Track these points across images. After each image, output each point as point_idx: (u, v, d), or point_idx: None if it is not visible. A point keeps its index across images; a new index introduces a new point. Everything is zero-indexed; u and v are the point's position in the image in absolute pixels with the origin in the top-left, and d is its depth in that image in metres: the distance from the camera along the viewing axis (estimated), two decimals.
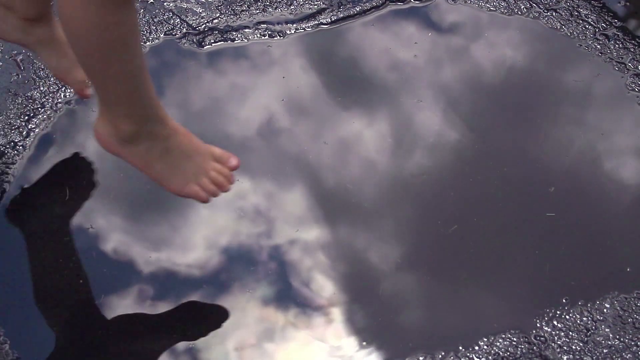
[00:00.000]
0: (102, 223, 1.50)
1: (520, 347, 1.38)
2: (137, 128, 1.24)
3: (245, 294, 1.44)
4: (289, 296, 1.44)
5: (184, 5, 1.81)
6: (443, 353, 1.38)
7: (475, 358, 1.37)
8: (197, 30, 1.78)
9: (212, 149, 1.36)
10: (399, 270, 1.47)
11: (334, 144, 1.63)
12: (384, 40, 1.80)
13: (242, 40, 1.77)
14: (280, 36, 1.79)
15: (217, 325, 1.40)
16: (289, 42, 1.78)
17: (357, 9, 1.84)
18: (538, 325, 1.41)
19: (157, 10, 1.79)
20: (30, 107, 1.65)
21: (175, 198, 1.54)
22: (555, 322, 1.41)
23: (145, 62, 1.18)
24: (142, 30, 1.78)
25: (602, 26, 1.82)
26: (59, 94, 1.67)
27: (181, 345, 1.37)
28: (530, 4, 1.86)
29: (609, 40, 1.79)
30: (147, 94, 1.21)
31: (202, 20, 1.78)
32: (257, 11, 1.83)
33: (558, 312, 1.42)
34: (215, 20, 1.79)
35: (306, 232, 1.51)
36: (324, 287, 1.45)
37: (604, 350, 1.38)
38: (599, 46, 1.79)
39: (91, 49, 1.12)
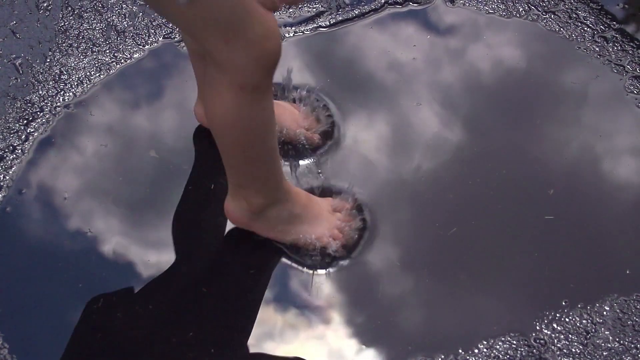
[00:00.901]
0: (101, 226, 1.50)
1: (520, 350, 1.38)
2: (268, 201, 1.36)
3: (245, 296, 1.44)
4: (288, 298, 1.44)
5: None
6: (443, 356, 1.37)
7: None
8: None
9: (328, 201, 1.48)
10: (398, 273, 1.47)
11: (333, 145, 1.63)
12: (383, 42, 1.80)
13: None
14: None
15: (216, 327, 1.40)
16: (288, 45, 1.78)
17: (356, 12, 1.84)
18: (538, 328, 1.41)
19: (156, 14, 1.79)
20: (29, 111, 1.65)
21: (174, 201, 1.54)
22: (554, 325, 1.41)
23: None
24: (141, 34, 1.78)
25: (600, 28, 1.82)
26: (57, 98, 1.67)
27: (181, 347, 1.37)
28: (529, 7, 1.86)
29: (607, 43, 1.79)
30: (279, 168, 1.33)
31: None
32: None
33: (557, 315, 1.42)
34: None
35: None
36: (323, 289, 1.45)
37: (604, 353, 1.38)
38: (597, 48, 1.79)
39: (240, 137, 1.24)
